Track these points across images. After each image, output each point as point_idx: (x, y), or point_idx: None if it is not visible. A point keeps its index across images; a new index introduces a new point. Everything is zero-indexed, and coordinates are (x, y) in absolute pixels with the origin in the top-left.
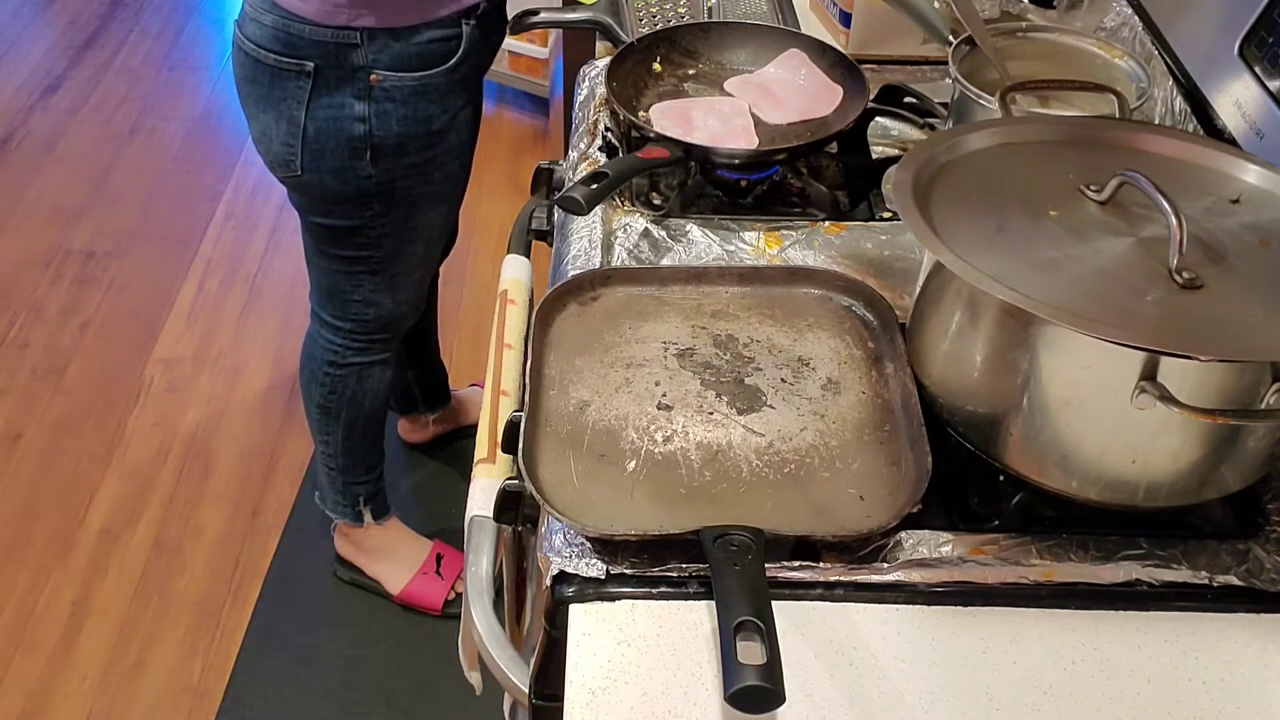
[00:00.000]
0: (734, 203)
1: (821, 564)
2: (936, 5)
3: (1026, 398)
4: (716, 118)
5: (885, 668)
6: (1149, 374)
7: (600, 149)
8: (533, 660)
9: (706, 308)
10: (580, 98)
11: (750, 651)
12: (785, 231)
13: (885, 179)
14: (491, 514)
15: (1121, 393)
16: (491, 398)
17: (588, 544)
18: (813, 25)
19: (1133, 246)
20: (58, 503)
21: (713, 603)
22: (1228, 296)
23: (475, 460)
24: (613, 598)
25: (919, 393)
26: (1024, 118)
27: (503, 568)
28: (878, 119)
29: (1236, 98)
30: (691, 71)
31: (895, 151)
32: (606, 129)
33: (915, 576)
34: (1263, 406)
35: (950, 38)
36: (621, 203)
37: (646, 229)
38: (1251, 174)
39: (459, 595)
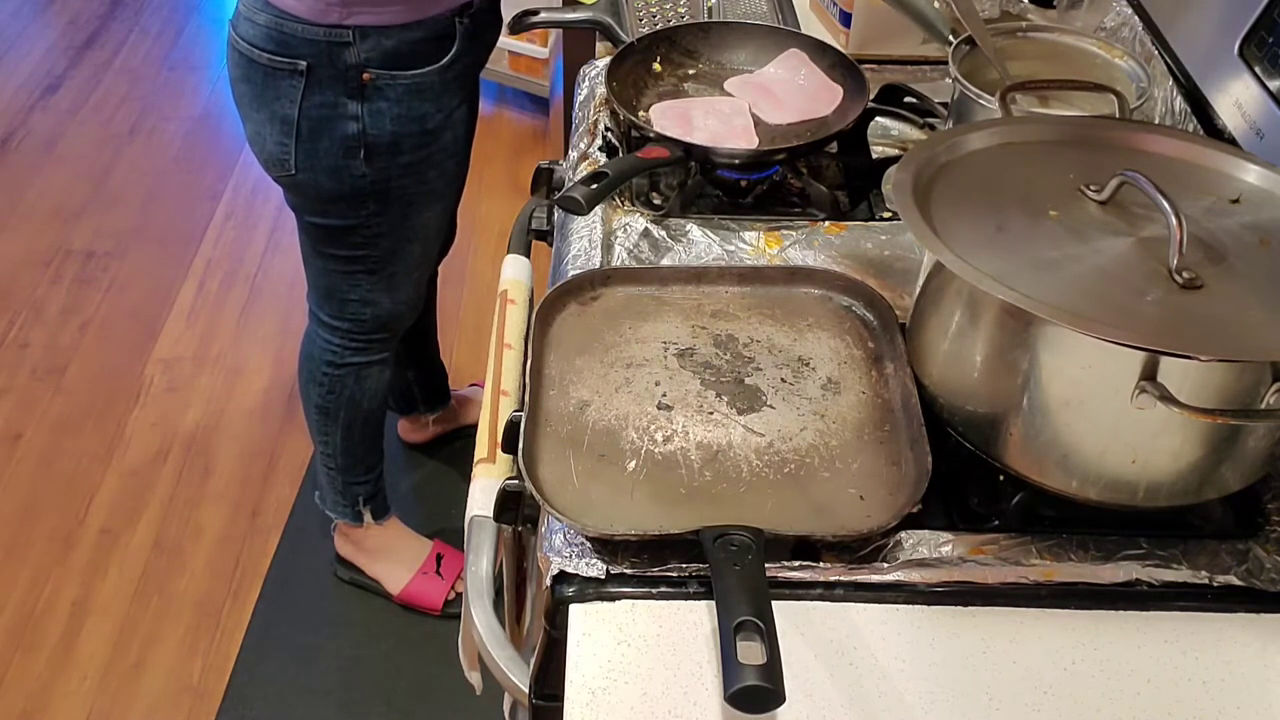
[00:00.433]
0: (734, 203)
1: (821, 564)
2: (936, 5)
3: (1026, 398)
4: (716, 118)
5: (885, 668)
6: (1149, 374)
7: (600, 149)
8: (533, 660)
9: (706, 308)
10: (580, 98)
11: (750, 651)
12: (785, 231)
13: (885, 179)
14: (491, 514)
15: (1121, 393)
16: (491, 398)
17: (588, 544)
18: (813, 25)
19: (1133, 246)
20: (58, 503)
21: (713, 603)
22: (1228, 296)
23: (475, 460)
24: (613, 598)
25: (919, 393)
26: (1024, 118)
27: (503, 568)
28: (878, 119)
29: (1236, 98)
30: (691, 71)
31: (895, 151)
32: (606, 129)
33: (915, 576)
34: (1263, 406)
35: (950, 38)
36: (621, 203)
37: (646, 229)
38: (1251, 174)
39: (459, 595)
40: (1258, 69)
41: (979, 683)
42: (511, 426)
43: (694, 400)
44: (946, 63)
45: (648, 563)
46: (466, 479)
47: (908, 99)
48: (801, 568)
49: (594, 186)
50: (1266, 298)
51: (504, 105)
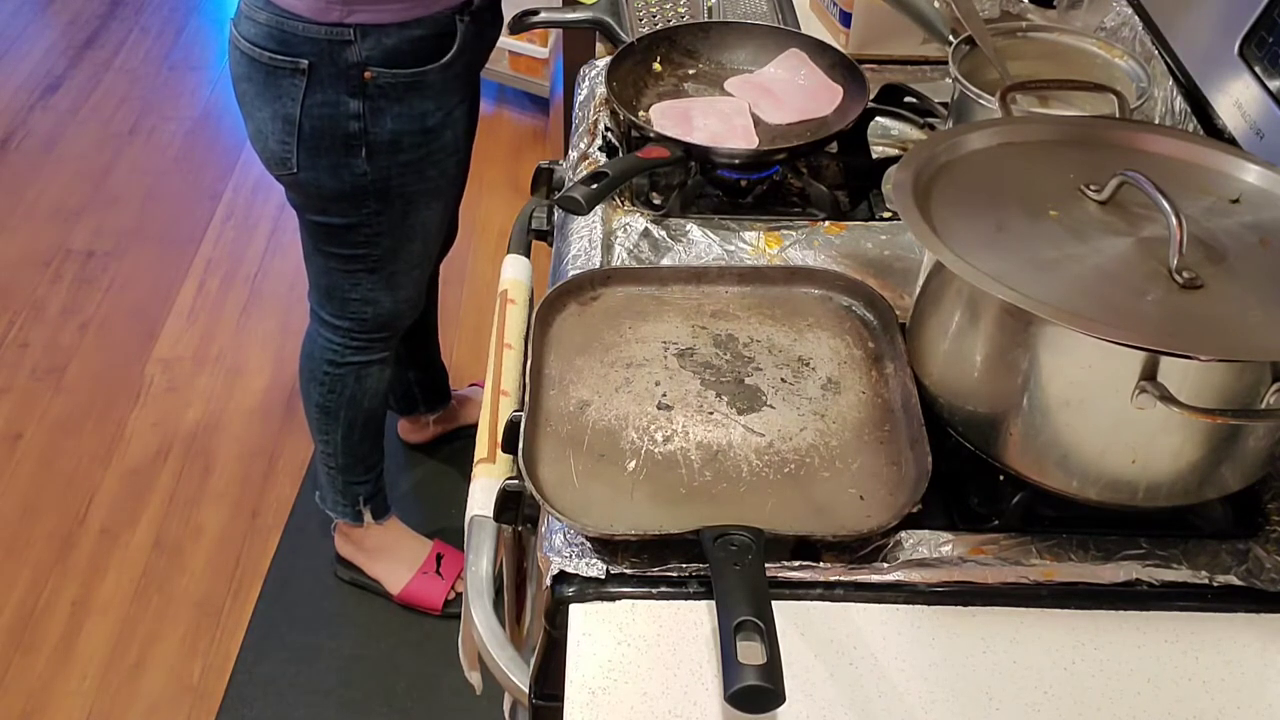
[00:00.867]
0: (734, 203)
1: (821, 564)
2: (936, 5)
3: (1026, 398)
4: (716, 117)
5: (885, 668)
6: (1149, 374)
7: (600, 149)
8: (533, 660)
9: (706, 308)
10: (580, 98)
11: (750, 651)
12: (785, 231)
13: (885, 179)
14: (491, 514)
15: (1121, 393)
16: (491, 398)
17: (588, 544)
18: (813, 25)
19: (1133, 246)
20: (58, 503)
21: (713, 603)
22: (1228, 296)
23: (475, 460)
24: (613, 598)
25: (919, 393)
26: (1024, 118)
27: (503, 568)
28: (878, 119)
29: (1236, 98)
30: (691, 71)
31: (895, 151)
32: (606, 129)
33: (915, 576)
34: (1263, 406)
35: (950, 38)
36: (621, 203)
37: (646, 229)
38: (1251, 174)
39: (459, 595)
40: (1258, 69)
41: (979, 683)
42: (511, 426)
43: (694, 400)
44: (946, 63)
45: (648, 563)
46: (466, 479)
47: (908, 99)
48: (801, 568)
49: (594, 186)
50: (1266, 298)
51: (504, 105)
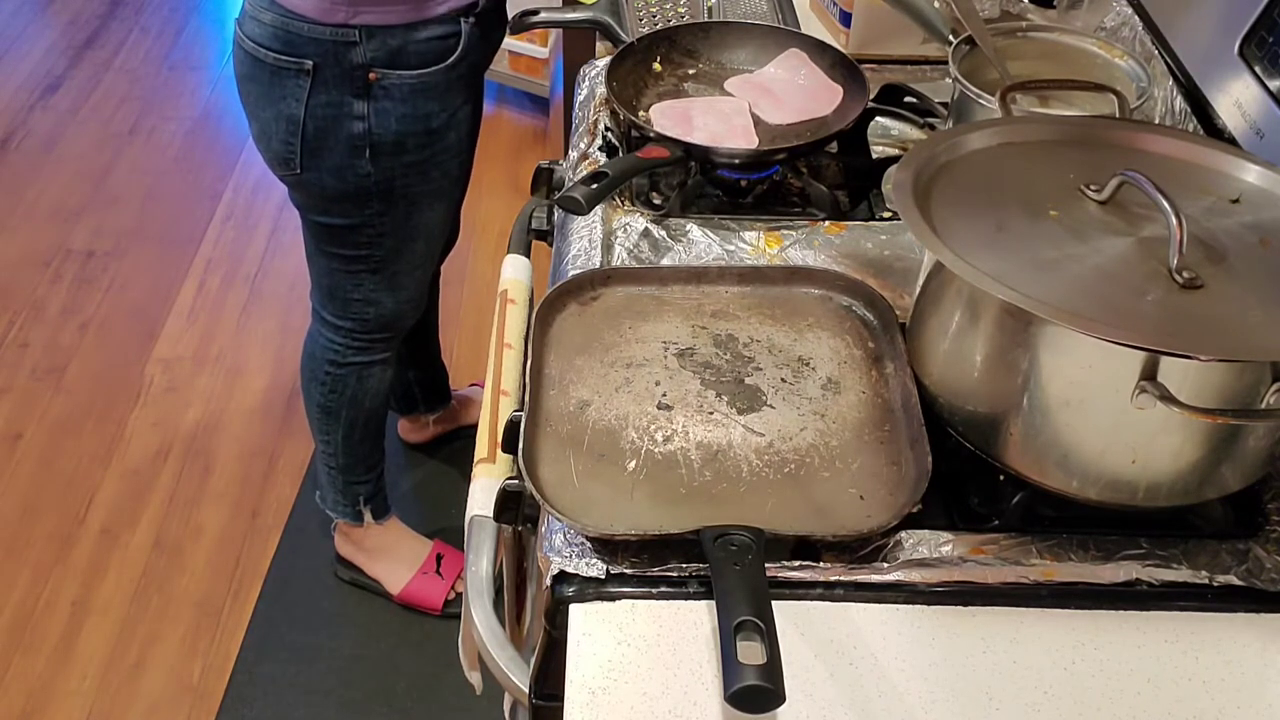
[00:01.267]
0: (734, 202)
1: (821, 564)
2: (936, 5)
3: (1026, 398)
4: (716, 117)
5: (885, 668)
6: (1149, 374)
7: (600, 149)
8: (533, 660)
9: (706, 307)
10: (580, 97)
11: (750, 651)
12: (785, 231)
13: (885, 179)
14: (491, 514)
15: (1121, 393)
16: (491, 398)
17: (588, 544)
18: (813, 25)
19: (1133, 246)
20: (58, 503)
21: (713, 603)
22: (1228, 296)
23: (475, 460)
24: (613, 598)
25: (919, 392)
26: (1024, 117)
27: (503, 567)
28: (878, 119)
29: (1236, 98)
30: (691, 71)
31: (895, 151)
32: (606, 129)
33: (915, 576)
34: (1263, 406)
35: (950, 38)
36: (621, 203)
37: (646, 229)
38: (1251, 174)
39: (459, 595)
40: (1258, 69)
41: (979, 683)
42: (511, 426)
43: (694, 400)
44: (946, 63)
45: (648, 563)
46: (466, 479)
47: (908, 99)
48: (801, 568)
49: (594, 186)
50: (1266, 298)
51: (504, 105)
